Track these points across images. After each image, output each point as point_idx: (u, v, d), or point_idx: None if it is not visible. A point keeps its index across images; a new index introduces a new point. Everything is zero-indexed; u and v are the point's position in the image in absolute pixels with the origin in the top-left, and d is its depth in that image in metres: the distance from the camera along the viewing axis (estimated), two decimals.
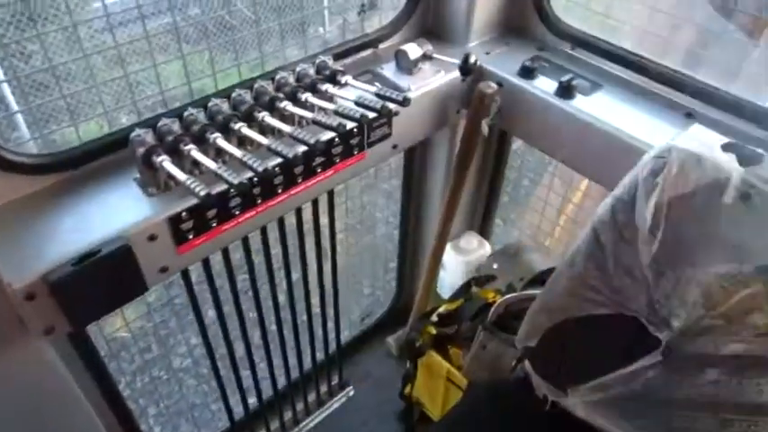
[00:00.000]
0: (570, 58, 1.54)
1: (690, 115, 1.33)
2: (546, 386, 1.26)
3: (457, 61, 1.44)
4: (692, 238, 0.96)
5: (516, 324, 1.61)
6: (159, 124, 1.10)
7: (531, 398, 1.28)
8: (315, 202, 1.49)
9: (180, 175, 1.03)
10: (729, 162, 0.90)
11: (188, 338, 2.00)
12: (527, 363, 1.29)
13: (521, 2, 1.58)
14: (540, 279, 1.70)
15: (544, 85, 1.45)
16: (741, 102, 1.27)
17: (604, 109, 1.37)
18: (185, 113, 1.14)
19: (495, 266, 1.90)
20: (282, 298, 1.64)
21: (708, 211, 0.93)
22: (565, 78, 1.41)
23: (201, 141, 1.11)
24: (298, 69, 1.26)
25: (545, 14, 1.57)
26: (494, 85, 1.46)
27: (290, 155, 1.04)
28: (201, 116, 1.14)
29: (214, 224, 1.15)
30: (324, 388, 2.14)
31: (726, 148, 0.92)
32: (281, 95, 1.20)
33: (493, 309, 1.65)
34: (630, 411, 1.12)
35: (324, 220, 1.59)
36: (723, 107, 1.29)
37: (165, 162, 1.06)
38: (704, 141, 0.94)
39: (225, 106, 1.16)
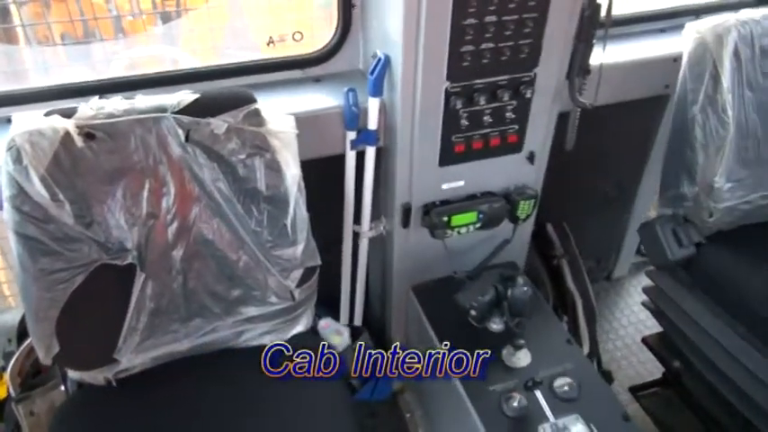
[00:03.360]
0: None
1: None
2: (100, 372, 1.37)
3: None
4: (87, 184, 1.20)
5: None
6: None
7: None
8: None
9: None
10: (60, 121, 1.15)
11: None
12: (70, 372, 1.36)
13: None
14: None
15: None
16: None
17: None
18: None
19: None
20: None
21: (80, 161, 1.17)
22: None
23: None
24: None
25: None
26: None
27: None
28: None
29: None
30: None
31: (47, 114, 1.16)
32: None
33: (9, 386, 1.59)
34: (165, 325, 1.37)
35: None
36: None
37: None
38: (29, 120, 1.15)
39: None
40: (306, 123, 1.38)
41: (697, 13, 1.72)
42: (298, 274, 1.39)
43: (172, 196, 1.27)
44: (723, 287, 1.72)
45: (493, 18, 1.36)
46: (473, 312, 1.65)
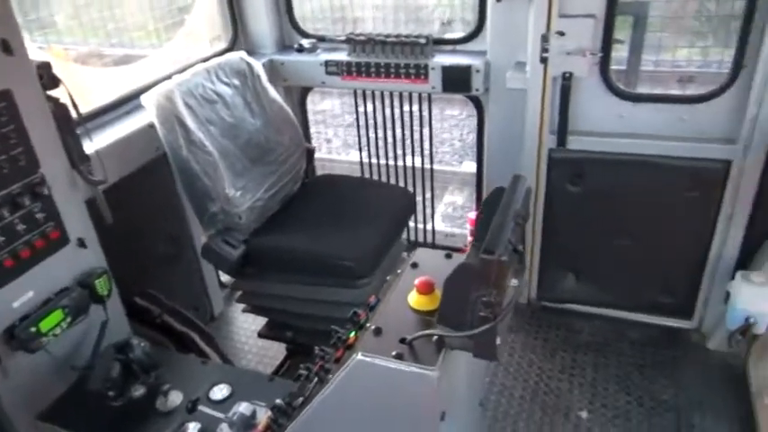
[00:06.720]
0: None
1: None
2: None
3: None
4: None
5: None
6: None
7: None
8: None
9: None
10: None
11: None
12: None
13: None
14: None
15: None
16: None
17: None
18: None
19: None
20: None
21: None
22: None
23: None
24: None
25: None
26: None
27: None
28: None
29: None
30: None
31: None
32: None
33: None
34: None
35: None
36: None
37: None
38: None
39: None
40: None
41: (143, 91, 2.18)
42: None
43: None
44: (275, 259, 2.27)
45: None
46: (111, 393, 1.73)
